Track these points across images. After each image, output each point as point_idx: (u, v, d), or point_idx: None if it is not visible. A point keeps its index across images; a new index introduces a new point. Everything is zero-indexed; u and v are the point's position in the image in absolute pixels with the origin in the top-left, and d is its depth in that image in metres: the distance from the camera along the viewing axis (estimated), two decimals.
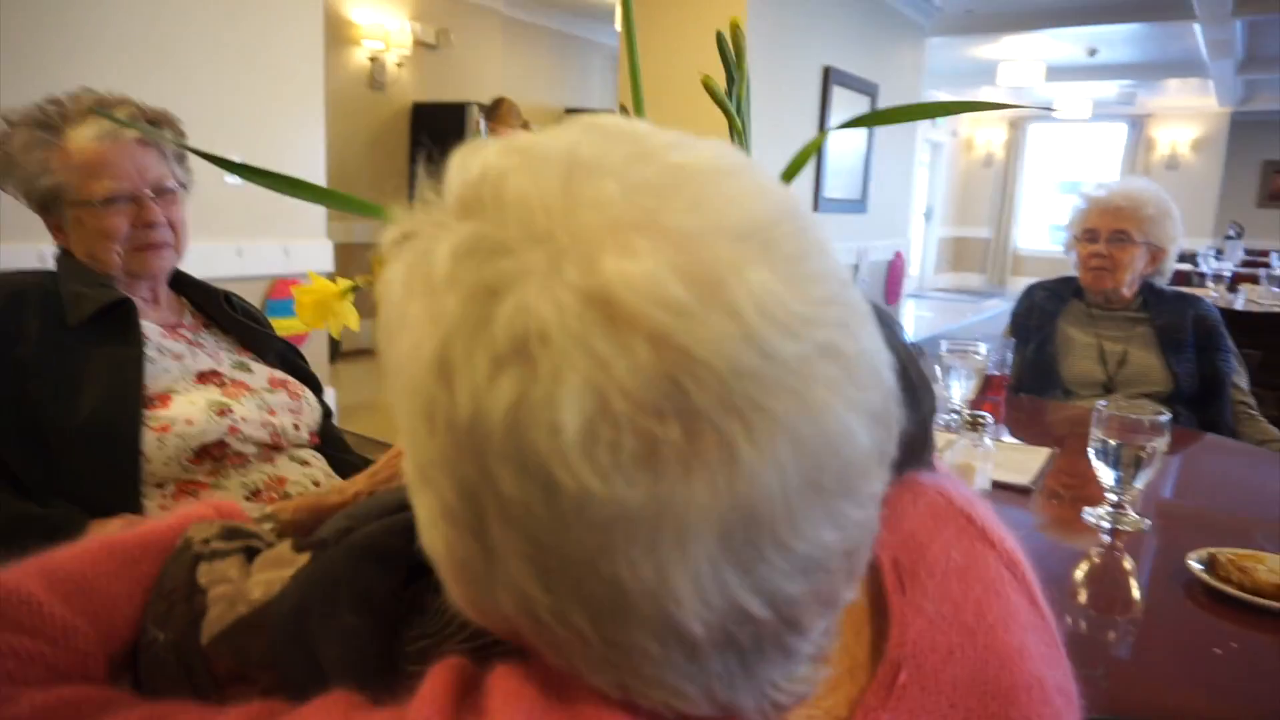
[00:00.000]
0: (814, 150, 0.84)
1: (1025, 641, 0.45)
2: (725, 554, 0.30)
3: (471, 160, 0.34)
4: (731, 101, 0.79)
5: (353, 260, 4.10)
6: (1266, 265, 6.99)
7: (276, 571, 0.52)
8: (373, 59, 5.59)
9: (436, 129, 5.79)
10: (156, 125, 1.23)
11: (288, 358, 1.39)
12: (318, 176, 3.48)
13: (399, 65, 5.75)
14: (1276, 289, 4.55)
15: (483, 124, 2.80)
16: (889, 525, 0.46)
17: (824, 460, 0.30)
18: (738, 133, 0.79)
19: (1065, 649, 0.49)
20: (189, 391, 1.18)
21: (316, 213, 3.50)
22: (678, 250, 0.29)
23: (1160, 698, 0.85)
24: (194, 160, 1.31)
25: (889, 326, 0.51)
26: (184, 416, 1.13)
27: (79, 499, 1.07)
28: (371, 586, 0.47)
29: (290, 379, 1.32)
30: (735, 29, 0.84)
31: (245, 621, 0.50)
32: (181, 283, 1.35)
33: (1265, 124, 10.35)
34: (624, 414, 0.28)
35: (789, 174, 0.85)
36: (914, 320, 8.82)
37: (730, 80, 0.80)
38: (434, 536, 0.34)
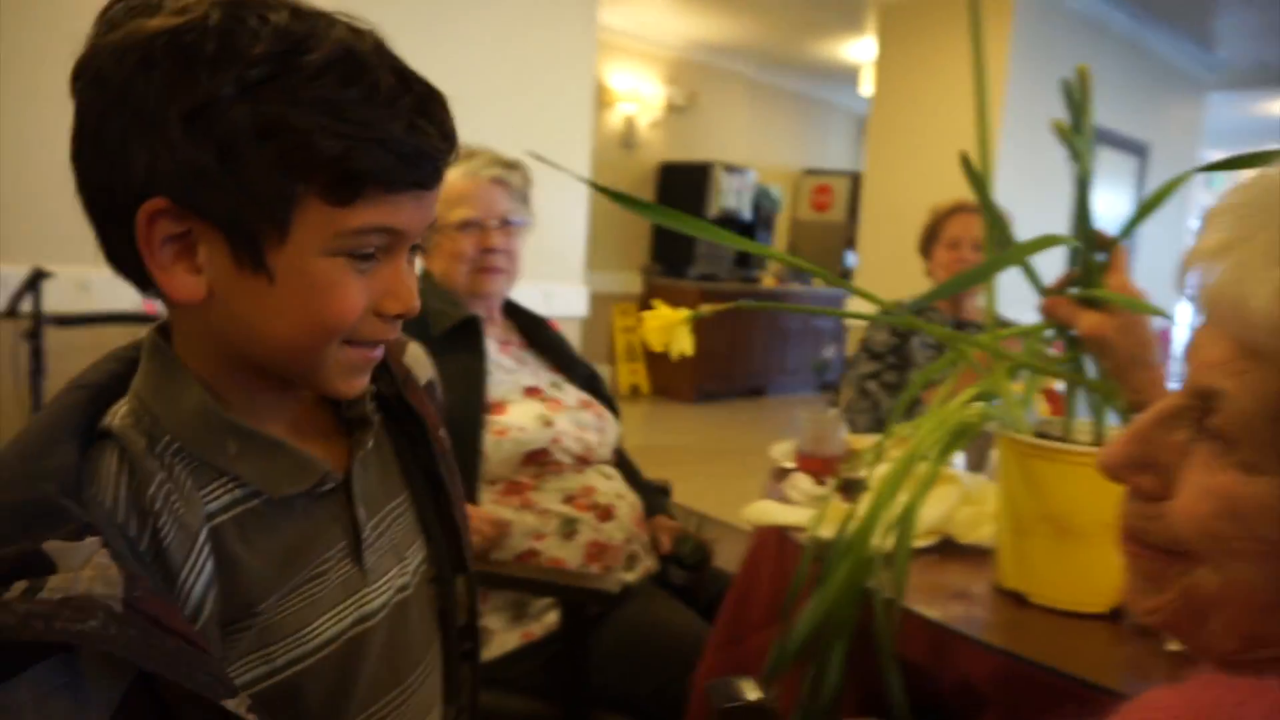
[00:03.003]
0: (1170, 190, 0.85)
1: None
2: None
3: None
4: (1074, 149, 0.83)
5: (598, 308, 4.35)
6: None
7: None
8: (627, 120, 5.97)
9: (680, 188, 6.06)
10: (510, 168, 1.42)
11: (591, 383, 1.52)
12: (579, 229, 3.77)
13: (651, 126, 6.11)
14: None
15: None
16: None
17: None
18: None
19: None
20: (520, 402, 1.33)
21: (577, 260, 3.77)
22: None
23: None
24: None
25: None
26: (517, 424, 1.28)
27: None
28: None
29: (595, 400, 1.45)
30: (1083, 75, 0.87)
31: None
32: (508, 307, 1.52)
33: None
34: None
35: (1138, 217, 0.86)
36: None
37: (1076, 128, 0.83)
38: None
